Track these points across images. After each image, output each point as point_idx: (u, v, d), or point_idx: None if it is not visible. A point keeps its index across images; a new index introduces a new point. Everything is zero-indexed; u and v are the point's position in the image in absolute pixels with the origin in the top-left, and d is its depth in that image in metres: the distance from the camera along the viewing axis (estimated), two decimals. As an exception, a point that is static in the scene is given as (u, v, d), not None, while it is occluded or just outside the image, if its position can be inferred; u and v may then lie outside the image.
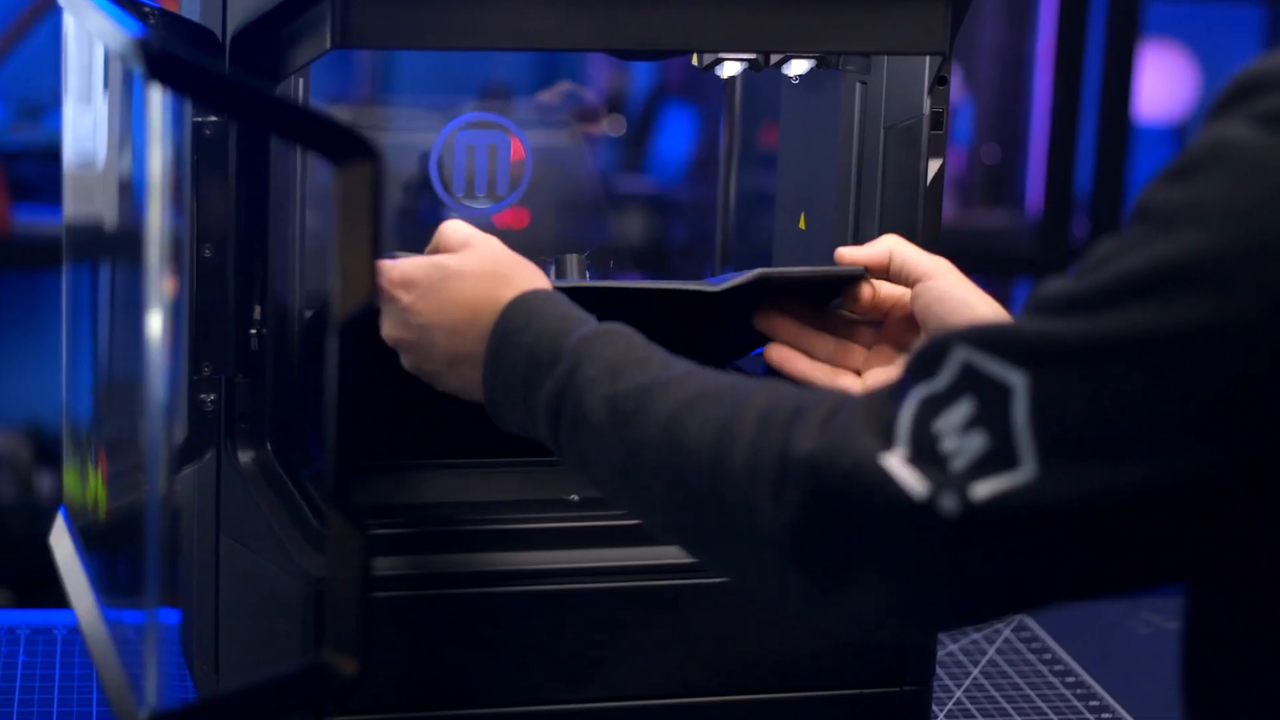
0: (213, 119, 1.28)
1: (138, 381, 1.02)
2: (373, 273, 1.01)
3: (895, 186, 1.39)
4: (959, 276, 1.28)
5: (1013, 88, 3.58)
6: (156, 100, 0.98)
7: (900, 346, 1.31)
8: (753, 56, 1.40)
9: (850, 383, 1.31)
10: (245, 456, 1.31)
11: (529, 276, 1.19)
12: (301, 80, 1.30)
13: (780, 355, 1.33)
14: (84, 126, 1.34)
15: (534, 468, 1.32)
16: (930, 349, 0.92)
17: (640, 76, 3.60)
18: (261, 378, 1.31)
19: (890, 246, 1.30)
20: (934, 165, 1.36)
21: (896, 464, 0.90)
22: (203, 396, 1.31)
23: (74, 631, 1.57)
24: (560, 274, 1.38)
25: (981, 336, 0.90)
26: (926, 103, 1.35)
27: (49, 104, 3.18)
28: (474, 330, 1.16)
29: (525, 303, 1.15)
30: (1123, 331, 0.86)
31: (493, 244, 1.21)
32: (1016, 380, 0.88)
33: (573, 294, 1.17)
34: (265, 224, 1.30)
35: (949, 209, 1.38)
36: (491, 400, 1.15)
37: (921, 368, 0.92)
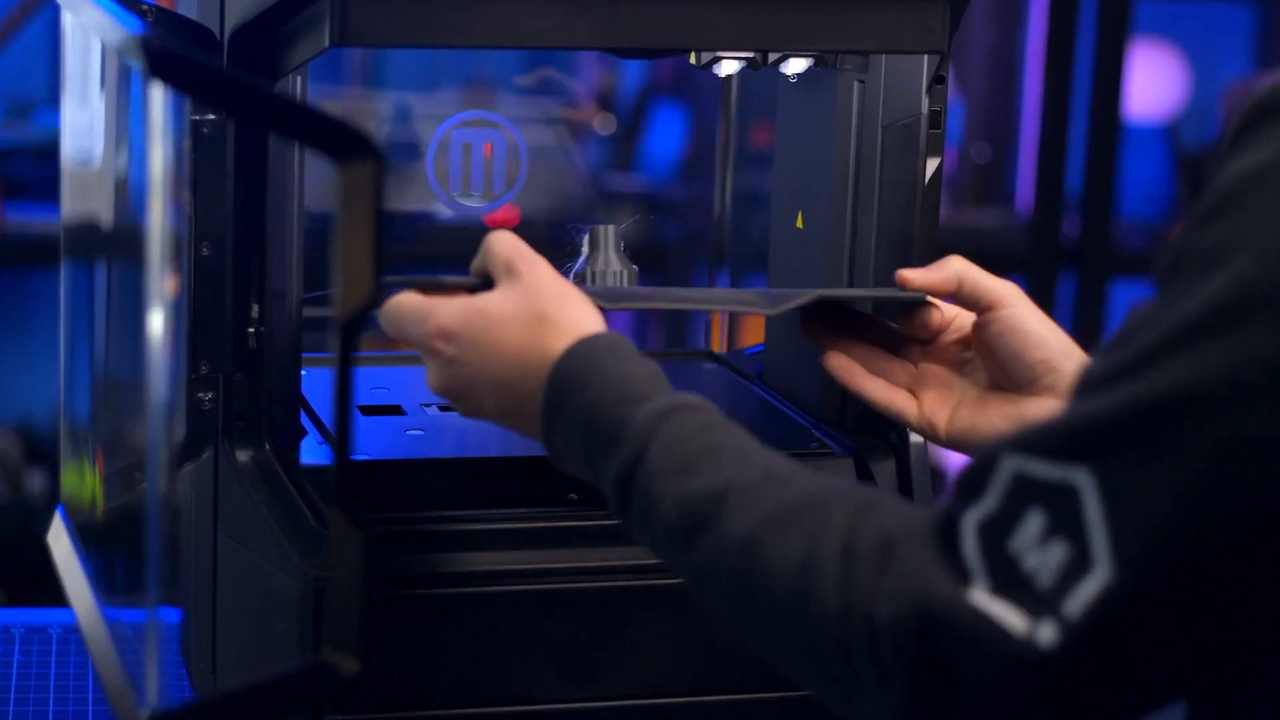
0: (211, 117, 1.27)
1: (137, 380, 1.02)
2: (375, 272, 1.01)
3: (893, 185, 1.39)
4: (1032, 307, 1.25)
5: (1003, 87, 3.58)
6: (157, 98, 0.97)
7: (954, 366, 1.28)
8: (751, 55, 1.40)
9: (905, 403, 1.27)
10: (243, 455, 1.31)
11: (576, 315, 1.11)
12: (300, 78, 1.29)
13: (841, 366, 1.28)
14: (82, 124, 1.33)
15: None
16: (975, 469, 0.88)
17: (630, 74, 3.60)
18: (259, 376, 1.31)
19: (958, 271, 1.25)
20: (932, 164, 1.35)
21: (984, 599, 0.86)
22: (200, 395, 1.31)
23: (69, 630, 1.57)
24: (594, 244, 1.36)
25: (1028, 442, 0.87)
26: (924, 101, 1.35)
27: (40, 102, 3.18)
28: (526, 384, 1.10)
29: (581, 356, 1.08)
30: (1180, 386, 0.82)
31: (538, 274, 1.13)
32: (1080, 478, 0.84)
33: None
34: (263, 222, 1.30)
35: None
36: (554, 455, 1.11)
37: (968, 489, 0.88)
